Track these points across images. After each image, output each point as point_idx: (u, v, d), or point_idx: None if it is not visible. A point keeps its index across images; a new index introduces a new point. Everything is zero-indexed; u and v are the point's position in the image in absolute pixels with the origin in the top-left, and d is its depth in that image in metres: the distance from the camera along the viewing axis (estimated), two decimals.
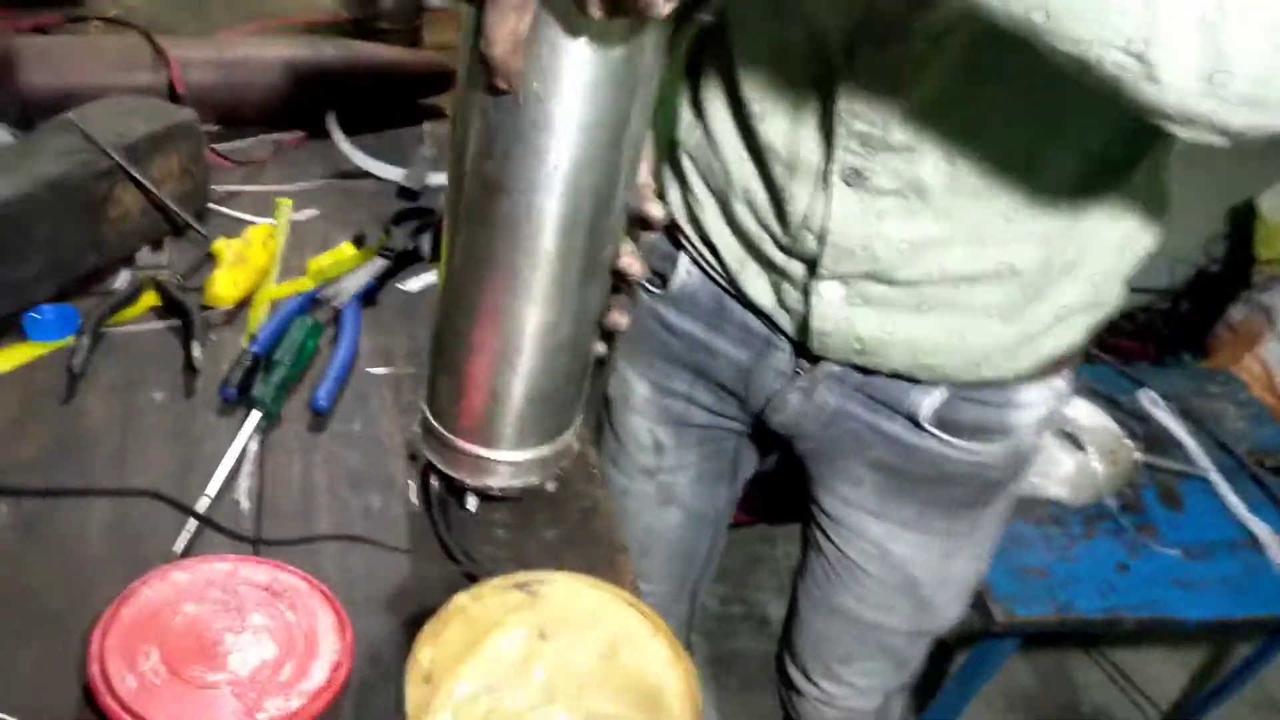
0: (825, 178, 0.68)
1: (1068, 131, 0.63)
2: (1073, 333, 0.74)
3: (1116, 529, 1.21)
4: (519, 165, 0.51)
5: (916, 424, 0.77)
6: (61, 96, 0.92)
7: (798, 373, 0.79)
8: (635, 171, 0.55)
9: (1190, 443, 1.32)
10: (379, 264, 0.86)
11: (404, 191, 0.99)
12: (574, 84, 0.48)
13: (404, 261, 0.89)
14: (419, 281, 0.88)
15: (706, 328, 0.82)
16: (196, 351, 0.75)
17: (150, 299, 0.80)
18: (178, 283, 0.82)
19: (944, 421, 0.76)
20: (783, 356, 0.79)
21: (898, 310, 0.71)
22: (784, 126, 0.69)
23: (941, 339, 0.72)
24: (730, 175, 0.75)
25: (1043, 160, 0.64)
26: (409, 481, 0.70)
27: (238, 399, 0.73)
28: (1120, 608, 1.13)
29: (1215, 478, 1.28)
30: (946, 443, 0.77)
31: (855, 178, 0.67)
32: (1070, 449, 1.23)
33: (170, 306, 0.80)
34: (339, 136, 1.01)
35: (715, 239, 0.78)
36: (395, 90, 1.08)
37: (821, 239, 0.70)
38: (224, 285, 0.80)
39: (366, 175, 1.00)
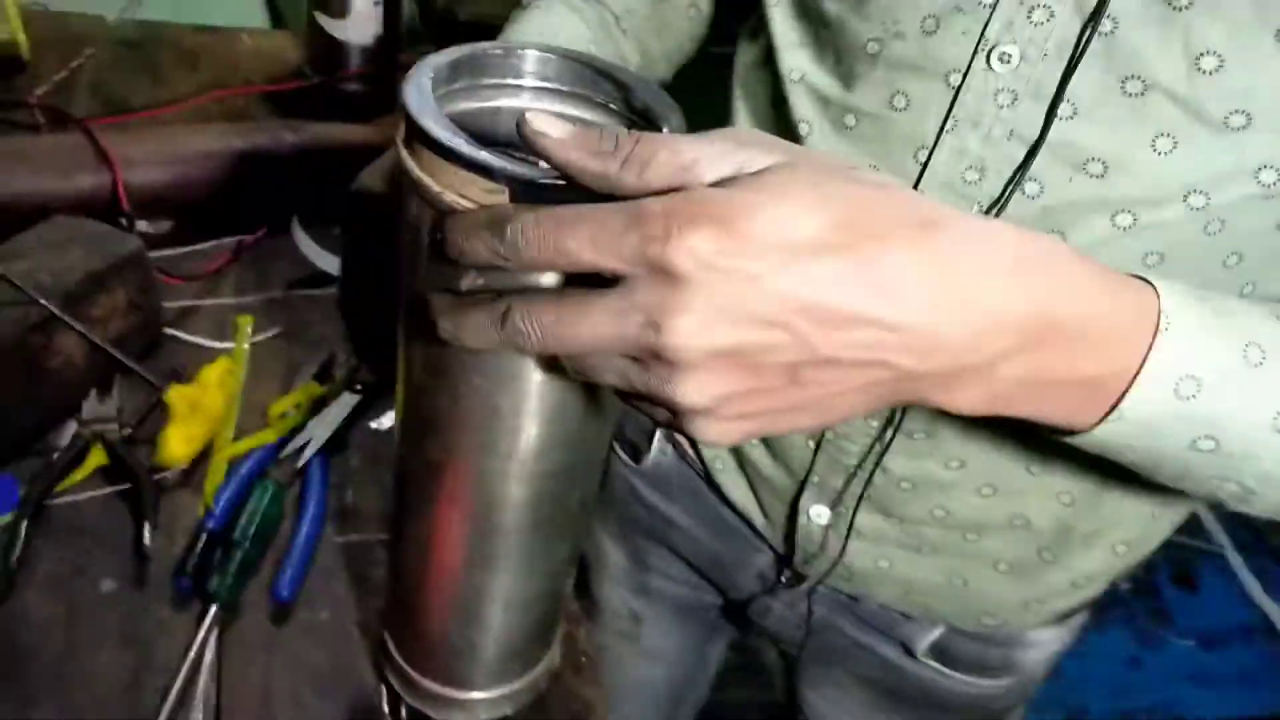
0: None
1: None
2: (1093, 592, 0.67)
3: (1128, 616, 1.16)
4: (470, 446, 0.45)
5: (910, 652, 0.70)
6: None
7: (781, 581, 0.72)
8: (610, 431, 0.49)
9: (1206, 515, 1.27)
10: (347, 402, 0.80)
11: None
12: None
13: (375, 393, 0.82)
14: (392, 416, 0.82)
15: (682, 510, 0.75)
16: (147, 535, 0.68)
17: (97, 458, 0.74)
18: (127, 436, 0.75)
19: (942, 654, 0.70)
20: (764, 559, 0.72)
21: (892, 545, 0.64)
22: None
23: (940, 582, 0.65)
24: None
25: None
26: (381, 685, 0.64)
27: (192, 591, 0.66)
28: (1135, 711, 1.08)
29: (1232, 555, 1.23)
30: (944, 674, 0.70)
31: None
32: None
33: (119, 468, 0.73)
34: (301, 238, 0.93)
35: None
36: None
37: (817, 448, 0.63)
38: (177, 443, 0.73)
39: (334, 280, 0.92)
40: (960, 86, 0.49)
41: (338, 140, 0.99)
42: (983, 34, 0.48)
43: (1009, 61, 0.48)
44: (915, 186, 0.51)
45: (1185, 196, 0.45)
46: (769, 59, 0.59)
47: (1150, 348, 0.37)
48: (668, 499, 0.75)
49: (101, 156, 0.88)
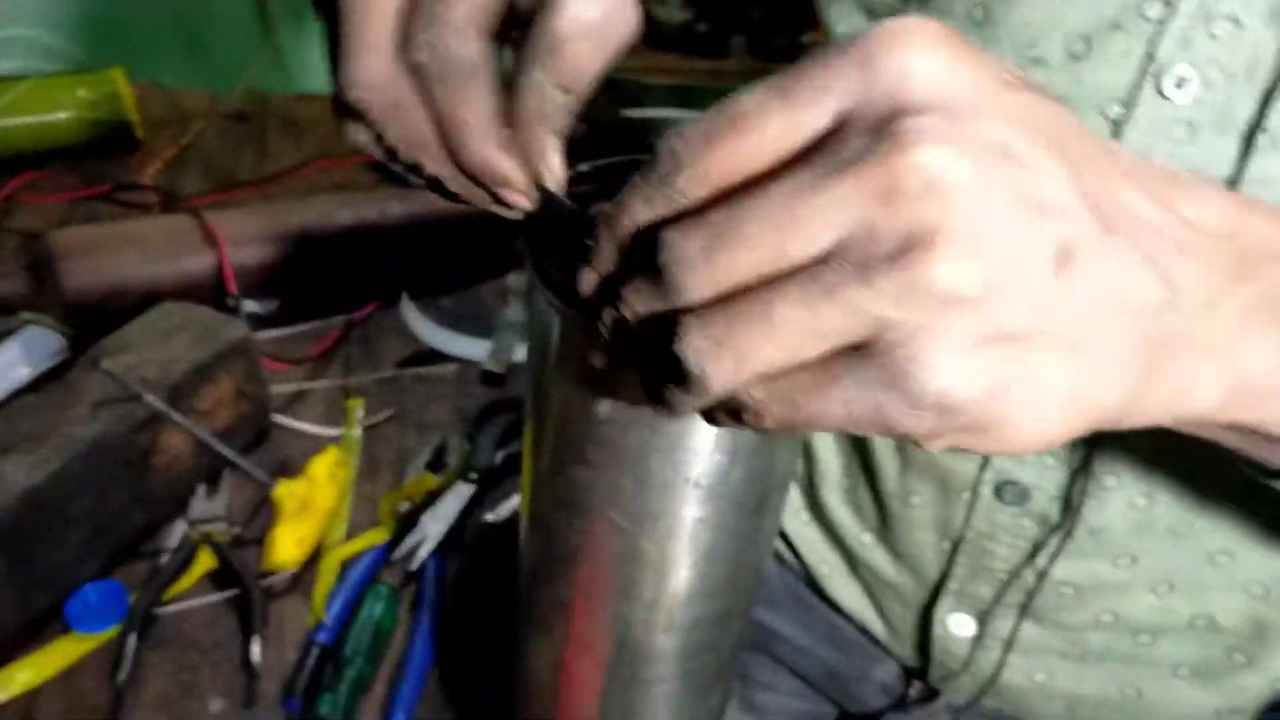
0: (973, 485, 0.52)
1: None
2: None
3: None
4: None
5: None
6: (105, 293, 0.83)
7: (908, 696, 0.62)
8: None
9: None
10: (462, 494, 0.74)
11: (488, 376, 0.86)
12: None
13: (491, 482, 0.76)
14: (509, 506, 0.76)
15: (786, 620, 0.65)
16: (256, 651, 0.63)
17: (205, 562, 0.70)
18: (235, 536, 0.71)
19: None
20: (888, 671, 0.62)
21: (1053, 656, 0.54)
22: None
23: (1113, 695, 0.54)
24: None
25: (1266, 488, 0.47)
26: None
27: (302, 713, 0.61)
28: None
29: None
30: None
31: (1012, 492, 0.51)
32: None
33: (227, 573, 0.69)
34: (411, 313, 0.89)
35: (785, 522, 0.62)
36: (472, 242, 0.96)
37: (955, 548, 0.54)
38: (286, 545, 0.69)
39: (446, 358, 0.88)
40: (1123, 120, 0.41)
41: (447, 208, 0.94)
42: (1150, 54, 0.39)
43: (1185, 86, 0.39)
44: None
45: None
46: None
47: None
48: (771, 608, 0.66)
49: (208, 237, 0.85)
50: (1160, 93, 0.40)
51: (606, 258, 0.26)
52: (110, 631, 0.65)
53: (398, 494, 0.74)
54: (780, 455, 0.37)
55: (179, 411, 0.69)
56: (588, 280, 0.26)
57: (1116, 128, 0.41)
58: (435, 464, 0.78)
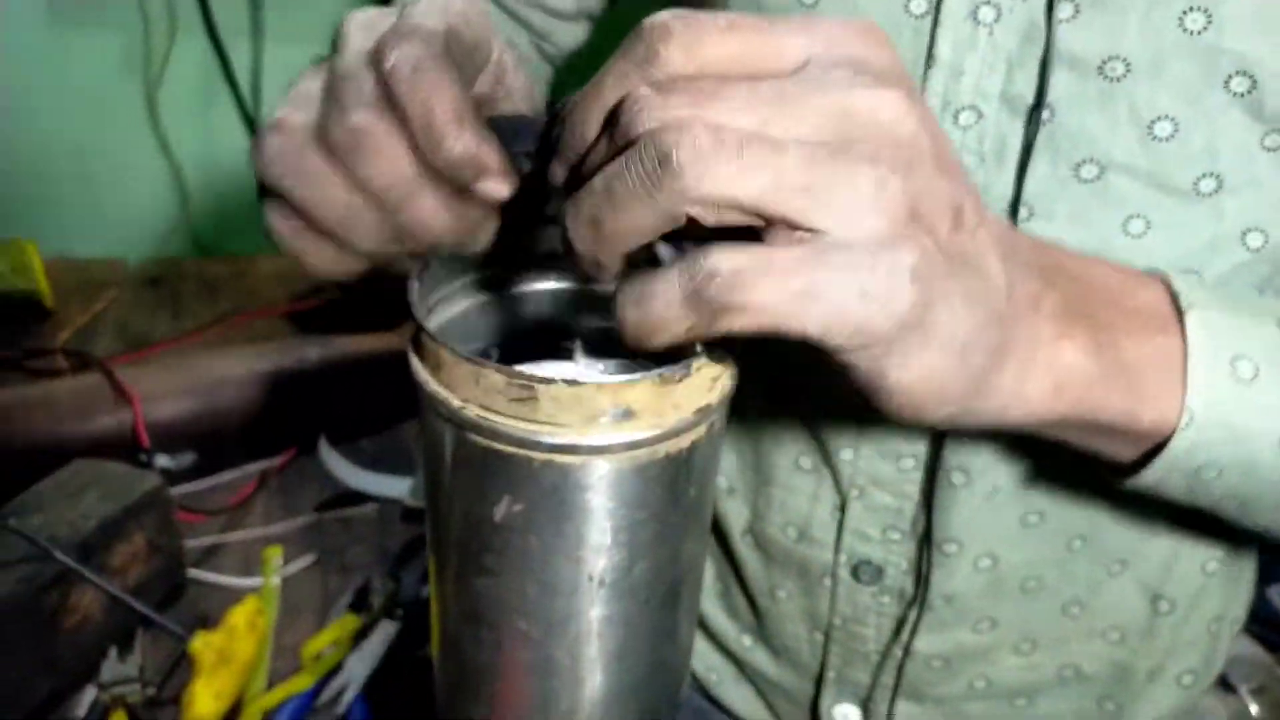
0: (831, 569, 0.54)
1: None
2: None
3: None
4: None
5: None
6: (15, 455, 0.82)
7: None
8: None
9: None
10: (387, 631, 0.73)
11: (410, 513, 0.86)
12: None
13: (417, 618, 0.75)
14: None
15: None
16: None
17: None
18: (151, 697, 0.68)
19: None
20: None
21: None
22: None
23: None
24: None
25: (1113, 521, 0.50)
26: None
27: None
28: None
29: None
30: None
31: (868, 572, 0.53)
32: (1221, 694, 1.06)
33: None
34: (331, 458, 0.89)
35: None
36: (392, 383, 0.97)
37: (826, 639, 0.55)
38: (204, 700, 0.66)
39: (367, 498, 0.87)
40: None
41: (364, 351, 0.96)
42: None
43: None
44: None
45: None
46: None
47: (1182, 326, 0.33)
48: None
49: (120, 394, 0.85)
50: None
51: (580, 132, 0.28)
52: None
53: (320, 638, 0.72)
54: (685, 546, 0.37)
55: (89, 568, 0.68)
56: (559, 170, 0.30)
57: None
58: (358, 604, 0.76)
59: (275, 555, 0.80)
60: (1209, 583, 0.53)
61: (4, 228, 1.19)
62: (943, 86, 0.42)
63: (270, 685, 0.70)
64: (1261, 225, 0.40)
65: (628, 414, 0.31)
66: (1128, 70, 0.38)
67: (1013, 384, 0.30)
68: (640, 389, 0.31)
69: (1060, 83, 0.39)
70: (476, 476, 0.33)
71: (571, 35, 0.65)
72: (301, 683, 0.69)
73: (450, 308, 0.40)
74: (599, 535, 0.33)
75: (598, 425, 0.31)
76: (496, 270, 0.41)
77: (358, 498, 0.87)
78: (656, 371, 0.31)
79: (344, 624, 0.73)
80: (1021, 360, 0.30)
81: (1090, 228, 0.41)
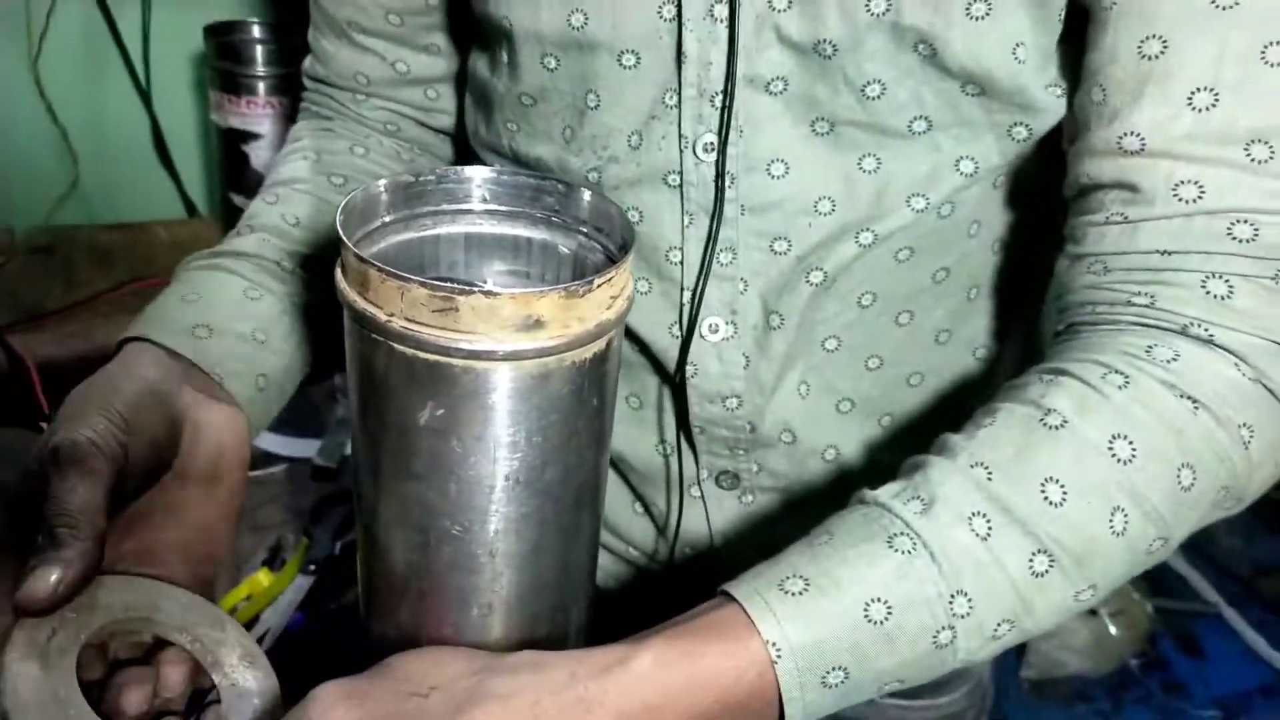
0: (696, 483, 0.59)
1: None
2: None
3: (1145, 695, 1.12)
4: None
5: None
6: None
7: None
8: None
9: (1192, 574, 1.25)
10: (301, 586, 0.74)
11: (320, 471, 0.87)
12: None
13: (331, 572, 0.76)
14: (353, 594, 0.76)
15: None
16: None
17: None
18: None
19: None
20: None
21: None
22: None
23: None
24: None
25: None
26: None
27: None
28: None
29: (1229, 614, 1.20)
30: (905, 707, 0.67)
31: (728, 480, 0.58)
32: (1084, 617, 1.15)
33: None
34: None
35: None
36: None
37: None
38: None
39: (277, 459, 0.88)
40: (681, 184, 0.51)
41: None
42: (680, 132, 0.50)
43: (717, 330, 0.53)
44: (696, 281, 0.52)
45: (908, 200, 0.50)
46: None
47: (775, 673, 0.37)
48: None
49: (14, 362, 0.83)
50: (703, 337, 0.53)
51: None
52: None
53: (233, 594, 0.73)
54: (590, 453, 0.40)
55: None
56: None
57: (681, 188, 0.51)
58: (272, 561, 0.77)
59: None
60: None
61: None
62: (696, 76, 0.48)
63: None
64: (972, 155, 0.49)
65: (538, 323, 0.34)
66: (835, 50, 0.46)
67: None
68: (548, 300, 0.34)
69: (788, 61, 0.47)
70: (402, 385, 0.36)
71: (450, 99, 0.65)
72: None
73: (371, 245, 0.42)
74: (513, 436, 0.36)
75: (510, 332, 0.34)
76: (416, 212, 0.44)
77: (268, 459, 0.88)
78: (562, 285, 0.34)
79: (258, 580, 0.74)
80: None
81: (831, 168, 0.50)
